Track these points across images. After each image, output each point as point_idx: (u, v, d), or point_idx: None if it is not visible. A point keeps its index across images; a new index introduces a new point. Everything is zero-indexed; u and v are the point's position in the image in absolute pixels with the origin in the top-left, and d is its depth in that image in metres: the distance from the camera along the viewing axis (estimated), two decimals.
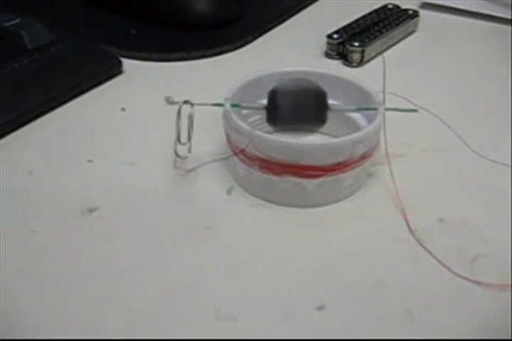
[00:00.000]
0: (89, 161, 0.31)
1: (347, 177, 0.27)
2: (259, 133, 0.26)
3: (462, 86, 0.38)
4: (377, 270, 0.25)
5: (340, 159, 0.26)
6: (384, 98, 0.28)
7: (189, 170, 0.30)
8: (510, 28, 0.45)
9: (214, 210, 0.28)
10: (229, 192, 0.29)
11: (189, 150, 0.28)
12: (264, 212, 0.28)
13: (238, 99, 0.29)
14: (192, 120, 0.28)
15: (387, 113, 0.28)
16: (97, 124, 0.34)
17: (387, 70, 0.31)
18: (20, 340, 0.23)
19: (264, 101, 0.29)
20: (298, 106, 0.28)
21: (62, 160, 0.31)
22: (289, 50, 0.41)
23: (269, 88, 0.28)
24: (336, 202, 0.28)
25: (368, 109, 0.28)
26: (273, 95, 0.28)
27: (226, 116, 0.28)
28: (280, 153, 0.26)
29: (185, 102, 0.28)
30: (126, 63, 0.39)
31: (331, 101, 0.29)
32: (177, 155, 0.28)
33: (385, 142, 0.28)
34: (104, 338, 0.22)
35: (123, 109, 0.35)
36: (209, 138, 0.31)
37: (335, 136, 0.31)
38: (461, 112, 0.35)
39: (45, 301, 0.24)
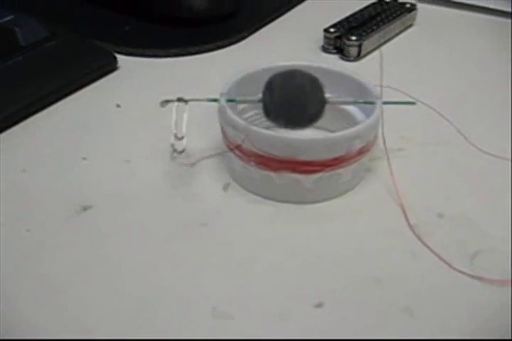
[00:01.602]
0: (84, 159, 0.31)
1: (345, 172, 0.27)
2: (255, 128, 0.26)
3: (460, 79, 0.37)
4: (376, 266, 0.25)
5: (338, 154, 0.26)
6: (381, 92, 0.28)
7: (186, 165, 0.30)
8: (508, 21, 0.44)
9: (210, 207, 0.28)
10: (225, 188, 0.29)
11: (184, 144, 0.28)
12: (261, 208, 0.28)
13: (234, 94, 0.28)
14: (186, 116, 0.27)
15: (385, 107, 0.27)
16: (91, 121, 0.34)
17: (385, 64, 0.31)
18: (20, 340, 0.22)
19: (260, 96, 0.28)
20: (294, 99, 0.27)
21: (56, 157, 0.31)
22: (286, 45, 0.41)
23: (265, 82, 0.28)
24: (334, 197, 0.28)
25: (365, 102, 0.28)
26: (268, 88, 0.27)
27: (221, 112, 0.28)
28: (277, 148, 0.26)
29: (179, 100, 0.28)
30: (121, 59, 0.39)
31: (328, 95, 0.29)
32: (174, 149, 0.28)
33: (383, 136, 0.28)
34: (101, 338, 0.22)
35: (118, 106, 0.35)
36: (205, 134, 0.31)
37: (332, 131, 0.31)
38: (460, 106, 0.34)
39: (41, 300, 0.23)
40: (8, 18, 0.38)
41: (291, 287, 0.24)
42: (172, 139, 0.28)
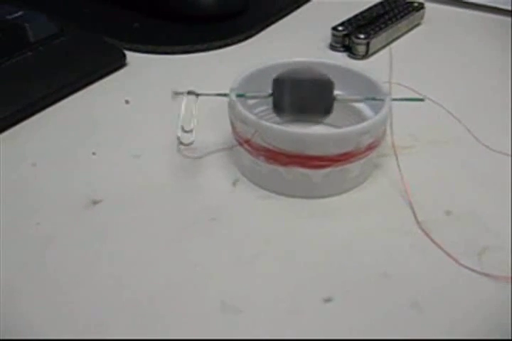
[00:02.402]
0: (93, 153, 0.31)
1: (353, 167, 0.27)
2: (264, 123, 0.26)
3: (468, 78, 0.37)
4: (384, 262, 0.25)
5: (346, 149, 0.26)
6: (390, 88, 0.28)
7: (195, 159, 0.30)
8: None
9: (219, 201, 0.28)
10: (234, 183, 0.29)
11: (191, 137, 0.28)
12: (270, 203, 0.28)
13: (244, 89, 0.28)
14: (196, 110, 0.28)
15: (395, 105, 0.27)
16: (101, 117, 0.34)
17: (393, 62, 0.31)
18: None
19: (270, 91, 0.28)
20: (303, 95, 0.27)
21: (66, 152, 0.31)
22: (294, 43, 0.41)
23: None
24: (342, 192, 0.28)
25: (374, 99, 0.28)
26: (278, 84, 0.28)
27: (231, 106, 0.28)
28: (286, 143, 0.26)
29: (190, 92, 0.28)
30: (130, 56, 0.39)
31: (337, 92, 0.29)
32: (180, 142, 0.28)
33: (391, 133, 0.28)
34: (108, 337, 0.22)
35: (127, 102, 0.35)
36: (214, 128, 0.31)
37: (340, 127, 0.31)
38: (468, 104, 0.34)
39: (49, 293, 0.24)
40: (18, 14, 0.38)
41: (300, 281, 0.24)
42: (179, 131, 0.28)
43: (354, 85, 0.30)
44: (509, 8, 0.45)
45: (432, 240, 0.25)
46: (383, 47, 0.40)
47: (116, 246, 0.26)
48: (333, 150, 0.26)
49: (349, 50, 0.39)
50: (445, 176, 0.29)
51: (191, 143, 0.28)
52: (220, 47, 0.40)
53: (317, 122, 0.31)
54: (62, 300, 0.23)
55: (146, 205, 0.28)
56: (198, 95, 0.28)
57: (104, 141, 0.32)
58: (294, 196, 0.28)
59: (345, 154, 0.26)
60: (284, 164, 0.27)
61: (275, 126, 0.26)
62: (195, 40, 0.40)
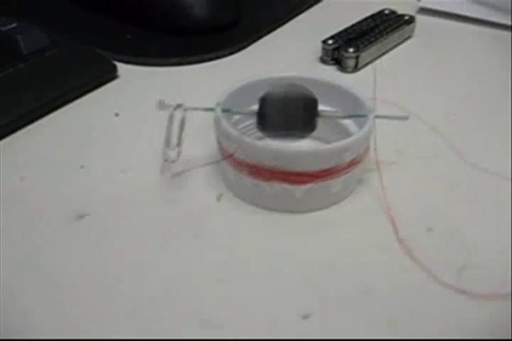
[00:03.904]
0: (82, 167, 0.31)
1: (335, 183, 0.27)
2: (247, 138, 0.26)
3: (457, 93, 0.37)
4: (364, 278, 0.25)
5: (328, 166, 0.26)
6: (375, 105, 0.28)
7: (178, 174, 0.30)
8: (509, 34, 0.44)
9: (203, 217, 0.28)
10: (219, 197, 0.29)
11: (178, 154, 0.28)
12: (253, 217, 0.28)
13: (230, 105, 0.29)
14: (184, 124, 0.28)
15: (380, 120, 0.27)
16: (90, 130, 0.34)
17: (381, 77, 0.31)
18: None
19: (256, 107, 0.29)
20: (287, 112, 0.27)
21: (54, 165, 0.31)
22: (285, 56, 0.41)
23: (261, 94, 0.28)
24: (325, 207, 0.28)
25: (357, 116, 0.28)
26: (263, 101, 0.28)
27: (216, 121, 0.28)
28: (268, 159, 0.26)
29: (178, 106, 0.28)
30: (122, 68, 0.39)
31: (322, 108, 0.29)
32: (165, 159, 0.28)
33: (375, 149, 0.28)
34: None
35: (117, 115, 0.35)
36: (202, 142, 0.31)
37: (326, 141, 0.31)
38: (455, 120, 0.34)
39: (35, 307, 0.24)
40: (11, 26, 0.38)
41: (280, 297, 0.24)
42: (165, 146, 0.28)
43: (339, 101, 0.30)
44: (502, 21, 0.45)
45: (413, 257, 0.25)
46: (373, 60, 0.41)
47: (100, 261, 0.26)
48: (315, 167, 0.26)
49: (339, 63, 0.40)
50: (428, 192, 0.29)
51: (176, 160, 0.28)
52: (211, 59, 0.41)
53: (302, 137, 0.31)
54: (47, 313, 0.24)
55: (130, 220, 0.28)
56: (185, 109, 0.28)
57: (93, 154, 0.32)
58: (277, 210, 0.28)
59: (326, 170, 0.26)
60: (267, 179, 0.27)
61: (257, 142, 0.26)
62: (186, 53, 0.41)
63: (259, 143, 0.26)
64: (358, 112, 0.29)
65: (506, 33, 0.45)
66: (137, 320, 0.23)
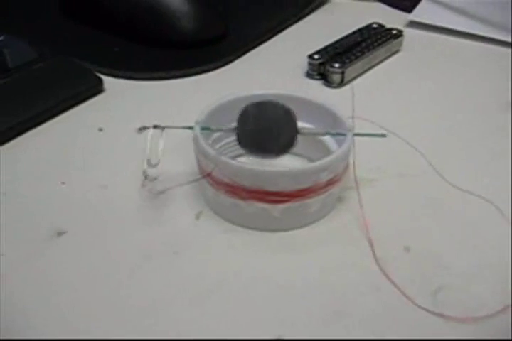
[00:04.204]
0: (62, 183, 0.31)
1: (313, 202, 0.27)
2: (223, 158, 0.26)
3: (442, 110, 0.37)
4: (338, 299, 0.25)
5: (305, 185, 0.26)
6: (353, 124, 0.28)
7: (159, 192, 0.30)
8: (498, 48, 0.44)
9: (182, 234, 0.28)
10: (198, 215, 0.29)
11: (157, 172, 0.28)
12: (231, 236, 0.28)
13: (211, 122, 0.29)
14: (162, 143, 0.28)
15: (360, 139, 0.27)
16: (73, 145, 0.34)
17: (365, 92, 0.31)
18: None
19: (235, 124, 0.29)
20: (266, 130, 0.27)
21: (36, 181, 0.31)
22: (271, 70, 0.41)
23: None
24: (303, 226, 0.28)
25: (337, 134, 0.28)
26: (241, 118, 0.28)
27: (195, 140, 0.28)
28: (244, 178, 0.26)
29: (155, 127, 0.28)
30: (108, 81, 0.39)
31: (302, 124, 0.29)
32: (145, 177, 0.28)
33: (354, 168, 0.28)
34: None
35: (100, 129, 0.35)
36: (183, 160, 0.31)
37: (307, 158, 0.31)
38: (436, 139, 0.34)
39: (12, 322, 0.24)
40: None
41: (253, 318, 0.24)
42: (144, 166, 0.28)
43: (320, 118, 0.30)
44: (492, 36, 0.45)
45: (389, 278, 0.25)
46: (359, 75, 0.40)
47: (77, 278, 0.26)
48: (291, 187, 0.26)
49: (325, 78, 0.40)
50: (406, 211, 0.29)
51: (156, 178, 0.28)
52: (197, 73, 0.41)
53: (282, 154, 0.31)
54: (24, 329, 0.24)
55: (109, 238, 0.28)
56: (163, 129, 0.28)
57: (74, 170, 0.32)
58: (255, 228, 0.28)
59: (303, 190, 0.26)
60: (244, 198, 0.27)
61: (233, 161, 0.26)
62: (173, 66, 0.41)
63: (236, 162, 0.26)
64: (338, 130, 0.29)
65: (496, 47, 0.45)
66: (114, 336, 0.23)
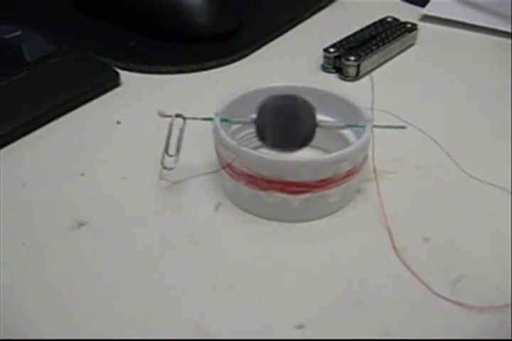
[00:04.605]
0: (82, 175, 0.31)
1: (333, 193, 0.27)
2: (244, 149, 0.26)
3: (457, 103, 0.37)
4: (358, 288, 0.25)
5: (325, 176, 0.26)
6: (373, 115, 0.28)
7: (177, 182, 0.30)
8: (511, 41, 0.44)
9: (201, 225, 0.28)
10: (217, 206, 0.29)
11: (175, 161, 0.28)
12: (250, 227, 0.28)
13: (229, 114, 0.29)
14: (182, 133, 0.28)
15: (379, 130, 0.27)
16: (92, 137, 0.34)
17: (382, 85, 0.31)
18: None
19: (254, 116, 0.29)
20: (285, 122, 0.28)
21: (56, 172, 0.32)
22: (286, 63, 0.41)
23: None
24: (322, 217, 0.28)
25: (356, 126, 0.28)
26: (260, 110, 0.28)
27: (215, 131, 0.28)
28: (265, 169, 0.26)
29: (177, 116, 0.29)
30: (125, 75, 0.40)
31: (321, 117, 0.29)
32: (164, 166, 0.29)
33: (373, 159, 0.28)
34: None
35: (118, 122, 0.36)
36: (202, 151, 0.32)
37: (325, 151, 0.31)
38: (454, 130, 0.34)
39: (33, 314, 0.24)
40: (15, 34, 0.39)
41: (275, 307, 0.24)
42: (163, 155, 0.28)
43: (338, 111, 0.30)
44: (506, 29, 0.45)
45: (408, 268, 0.25)
46: (375, 68, 0.41)
47: (97, 269, 0.26)
48: (311, 177, 0.26)
49: (340, 71, 0.40)
50: (425, 202, 0.29)
51: (172, 168, 0.28)
52: (213, 67, 0.41)
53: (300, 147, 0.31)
54: (45, 320, 0.24)
55: (129, 228, 0.28)
56: (185, 119, 0.29)
57: (94, 162, 0.32)
58: (274, 219, 0.28)
59: (323, 180, 0.26)
60: (264, 189, 0.27)
61: (254, 152, 0.26)
62: (189, 60, 0.41)
63: (257, 153, 0.26)
64: (357, 122, 0.29)
65: (508, 41, 0.45)
66: (134, 326, 0.23)
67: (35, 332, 0.23)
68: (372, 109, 0.28)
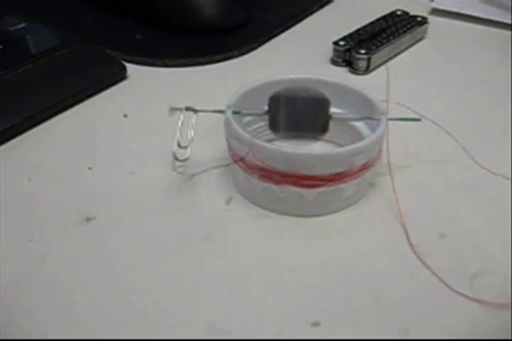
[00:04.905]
0: (89, 169, 0.31)
1: (347, 187, 0.27)
2: (258, 141, 0.26)
3: (470, 96, 0.37)
4: (374, 285, 0.24)
5: (340, 169, 0.26)
6: (387, 108, 0.27)
7: (190, 176, 0.30)
8: None
9: (213, 220, 0.28)
10: (229, 200, 0.29)
11: (188, 154, 0.28)
12: (264, 221, 0.28)
13: (241, 106, 0.28)
14: (194, 126, 0.28)
15: (393, 123, 0.27)
16: (99, 131, 0.34)
17: (393, 78, 0.30)
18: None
19: (266, 109, 0.28)
20: (299, 114, 0.27)
21: (62, 166, 0.31)
22: (295, 57, 0.41)
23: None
24: (336, 211, 0.28)
25: (370, 118, 0.28)
26: (273, 101, 0.27)
27: (227, 124, 0.28)
28: (279, 162, 0.26)
29: (188, 109, 0.28)
30: (131, 68, 0.39)
31: (334, 110, 0.29)
32: (176, 158, 0.28)
33: (387, 153, 0.27)
34: None
35: (125, 116, 0.35)
36: (212, 144, 0.31)
37: (338, 144, 0.31)
38: (469, 123, 0.34)
39: (41, 309, 0.24)
40: (20, 26, 0.38)
41: (290, 304, 0.24)
42: (174, 147, 0.28)
43: (351, 103, 0.30)
44: None
45: (424, 264, 0.25)
46: (385, 62, 0.40)
47: (107, 265, 0.25)
48: (326, 170, 0.26)
49: (350, 65, 0.39)
50: (440, 197, 0.29)
51: (186, 160, 0.28)
52: (221, 60, 0.40)
53: (314, 139, 0.31)
54: (54, 315, 0.23)
55: (139, 223, 0.28)
56: (196, 111, 0.28)
57: (101, 156, 0.32)
58: (287, 214, 0.28)
59: (338, 174, 0.26)
60: (277, 182, 0.26)
61: (268, 145, 0.26)
62: (197, 53, 0.40)
63: (271, 146, 0.26)
64: (370, 114, 0.28)
65: None
66: (144, 323, 0.23)
67: (39, 331, 0.23)
68: (387, 101, 0.28)
